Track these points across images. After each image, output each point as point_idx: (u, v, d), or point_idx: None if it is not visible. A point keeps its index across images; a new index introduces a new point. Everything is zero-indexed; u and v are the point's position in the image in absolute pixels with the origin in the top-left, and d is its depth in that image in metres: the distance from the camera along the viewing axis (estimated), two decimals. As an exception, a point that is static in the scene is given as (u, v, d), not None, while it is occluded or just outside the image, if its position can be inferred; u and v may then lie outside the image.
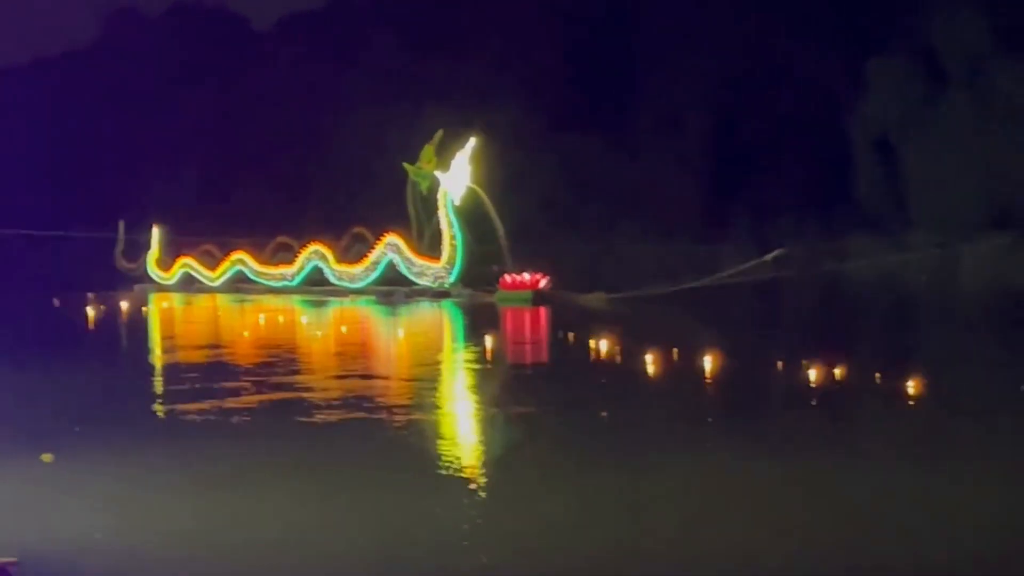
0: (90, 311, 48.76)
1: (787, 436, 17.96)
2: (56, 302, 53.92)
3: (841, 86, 61.97)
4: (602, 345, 29.77)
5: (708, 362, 25.21)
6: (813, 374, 22.95)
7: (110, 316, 48.12)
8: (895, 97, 59.24)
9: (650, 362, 25.93)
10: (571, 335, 32.53)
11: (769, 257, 49.31)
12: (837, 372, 23.02)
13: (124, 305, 52.63)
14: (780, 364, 24.47)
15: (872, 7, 64.00)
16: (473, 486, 15.14)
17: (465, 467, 16.33)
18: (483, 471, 16.28)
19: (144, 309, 51.78)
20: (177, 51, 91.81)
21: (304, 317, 47.02)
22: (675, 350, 26.86)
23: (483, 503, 14.31)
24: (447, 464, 16.41)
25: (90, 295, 54.84)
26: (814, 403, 21.20)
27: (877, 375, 22.47)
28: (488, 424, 20.46)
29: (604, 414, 20.12)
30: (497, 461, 17.04)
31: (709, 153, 65.23)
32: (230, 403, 22.04)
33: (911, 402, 20.76)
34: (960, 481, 14.96)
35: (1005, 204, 55.14)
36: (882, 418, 19.44)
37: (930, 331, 35.16)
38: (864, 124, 60.09)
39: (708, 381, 24.11)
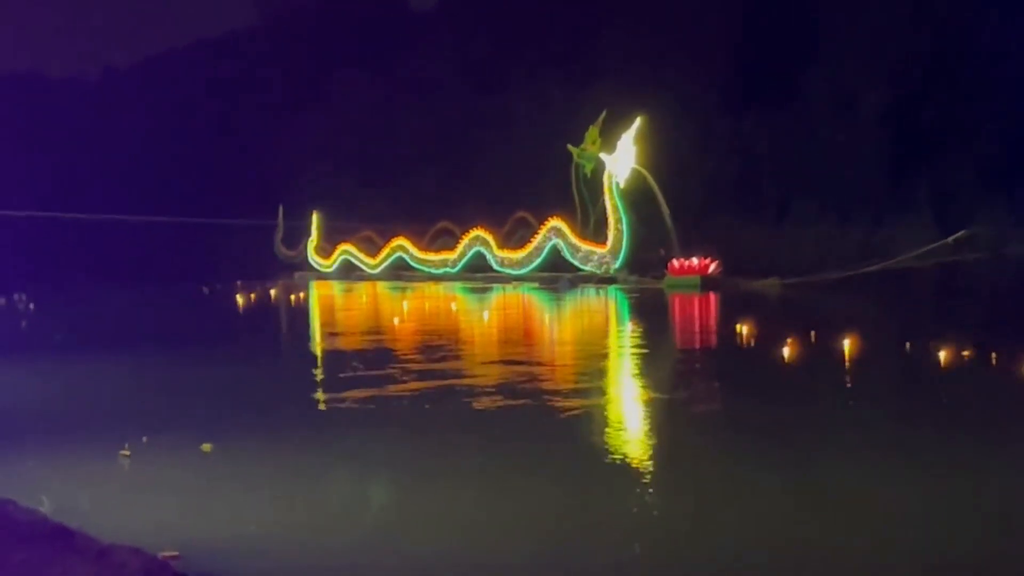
0: (239, 299, 48.78)
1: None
2: (205, 290, 54.24)
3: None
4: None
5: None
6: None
7: (262, 303, 48.07)
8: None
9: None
10: (741, 324, 30.63)
11: (951, 239, 47.72)
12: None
13: (274, 292, 52.63)
14: (964, 354, 22.76)
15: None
16: (630, 474, 14.33)
17: (623, 455, 15.41)
18: (643, 460, 15.37)
19: (294, 296, 51.56)
20: (335, 32, 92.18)
21: (456, 304, 46.19)
22: (853, 339, 25.07)
23: (639, 492, 13.42)
24: (604, 452, 15.57)
25: (239, 283, 54.99)
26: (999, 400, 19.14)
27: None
28: (650, 412, 19.40)
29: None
30: (658, 449, 16.08)
31: (887, 131, 62.27)
32: (390, 390, 21.43)
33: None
34: None
35: None
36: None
37: None
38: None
39: (888, 372, 22.72)
